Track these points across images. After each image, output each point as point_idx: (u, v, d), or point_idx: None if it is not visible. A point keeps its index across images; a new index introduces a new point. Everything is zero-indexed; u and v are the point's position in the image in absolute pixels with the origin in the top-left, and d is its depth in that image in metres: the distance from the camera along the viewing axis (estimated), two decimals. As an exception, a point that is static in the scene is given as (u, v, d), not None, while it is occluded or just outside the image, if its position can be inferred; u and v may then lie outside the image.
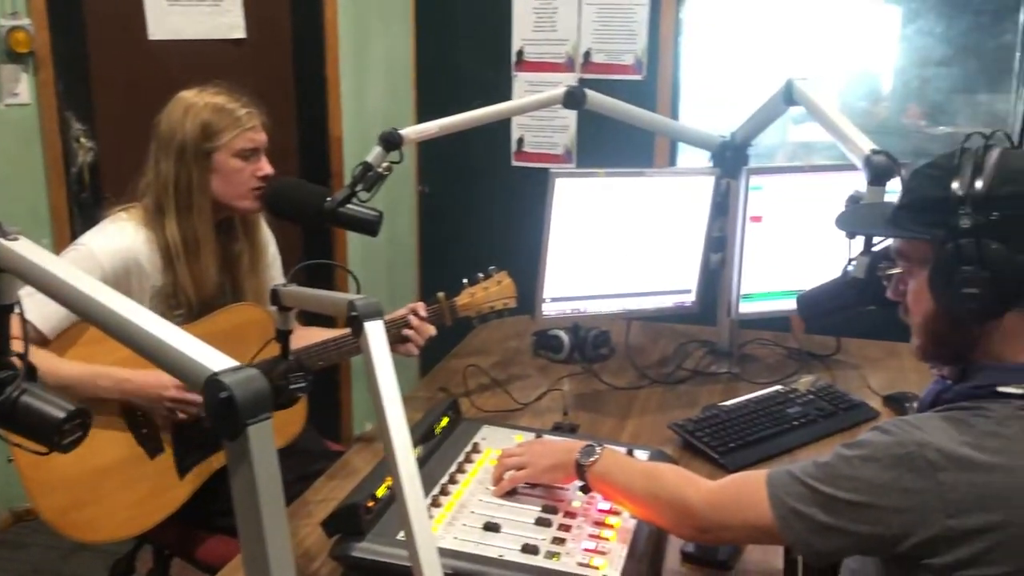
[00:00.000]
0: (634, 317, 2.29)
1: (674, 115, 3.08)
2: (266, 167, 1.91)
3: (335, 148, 3.36)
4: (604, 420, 2.00)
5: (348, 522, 1.40)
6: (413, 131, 1.91)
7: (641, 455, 1.67)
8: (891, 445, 1.14)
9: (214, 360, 0.77)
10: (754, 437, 1.83)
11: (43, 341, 1.73)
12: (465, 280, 2.14)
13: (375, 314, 1.24)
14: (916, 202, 1.21)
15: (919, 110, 3.21)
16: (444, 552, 1.35)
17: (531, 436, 1.76)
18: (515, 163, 3.25)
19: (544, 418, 2.00)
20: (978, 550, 1.09)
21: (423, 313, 2.02)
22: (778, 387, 2.05)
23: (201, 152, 1.84)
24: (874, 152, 1.58)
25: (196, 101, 1.86)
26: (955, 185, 1.15)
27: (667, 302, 2.28)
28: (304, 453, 2.01)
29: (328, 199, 1.86)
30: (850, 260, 1.57)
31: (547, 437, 1.74)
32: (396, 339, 1.99)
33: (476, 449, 1.71)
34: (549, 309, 2.13)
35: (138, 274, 1.85)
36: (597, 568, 1.35)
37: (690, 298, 2.30)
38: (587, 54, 3.08)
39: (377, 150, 1.90)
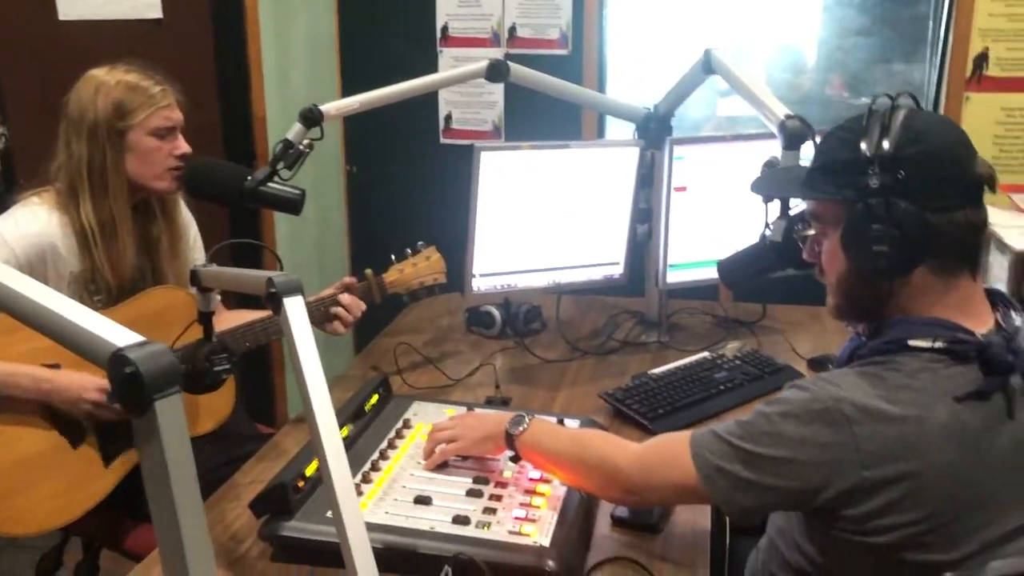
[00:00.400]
0: (564, 291, 2.30)
1: (601, 89, 3.08)
2: (183, 146, 1.86)
3: (259, 128, 3.29)
4: (536, 392, 2.01)
5: (276, 502, 1.39)
6: (334, 107, 1.88)
7: (572, 424, 1.68)
8: (808, 401, 1.17)
9: (118, 335, 0.75)
10: (682, 403, 1.86)
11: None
12: (393, 256, 2.12)
13: (294, 290, 1.22)
14: (827, 164, 1.23)
15: (841, 81, 3.27)
16: (375, 527, 1.35)
17: (462, 410, 1.76)
18: (443, 140, 3.23)
19: (476, 393, 2.00)
20: (892, 498, 1.13)
21: (350, 283, 2.00)
22: (705, 354, 2.09)
23: (114, 131, 1.79)
24: (788, 117, 1.61)
25: (107, 79, 1.81)
26: (863, 146, 1.18)
27: (596, 275, 2.30)
28: (234, 436, 1.98)
29: (248, 178, 1.83)
30: (767, 225, 1.60)
31: (478, 411, 1.75)
32: (326, 317, 1.97)
33: (407, 425, 1.71)
34: (479, 285, 2.13)
35: (54, 260, 1.79)
36: (528, 535, 1.36)
37: (618, 270, 2.32)
38: (512, 29, 3.07)
39: (297, 127, 1.87)
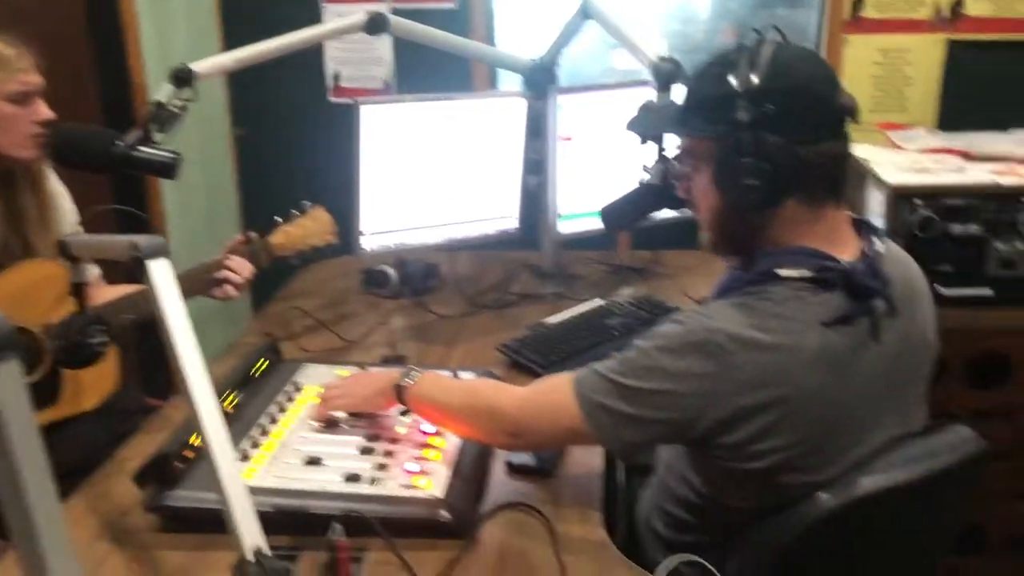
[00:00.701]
0: (459, 247, 2.29)
1: (490, 42, 3.05)
2: (44, 111, 1.76)
3: (139, 96, 3.16)
4: (433, 349, 2.00)
5: (159, 473, 1.35)
6: (205, 65, 1.81)
7: (467, 377, 1.68)
8: (684, 334, 1.19)
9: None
10: (577, 349, 1.88)
11: None
12: (279, 219, 2.07)
13: (159, 253, 1.18)
14: (698, 101, 1.24)
15: (733, 29, 3.31)
16: (264, 491, 1.33)
17: (355, 371, 1.74)
18: (333, 99, 3.15)
19: (372, 353, 1.98)
20: (766, 424, 1.16)
21: (240, 241, 1.95)
22: (599, 301, 2.11)
23: (-32, 99, 1.68)
24: (660, 59, 1.61)
25: None
26: (732, 81, 1.19)
27: (490, 228, 2.29)
28: (121, 411, 1.92)
29: (118, 142, 1.75)
30: (645, 167, 1.62)
31: (371, 370, 1.73)
32: (215, 283, 1.91)
33: (297, 388, 1.68)
34: (370, 244, 2.09)
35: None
36: (421, 488, 1.36)
37: (513, 223, 2.32)
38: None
39: (168, 87, 1.79)
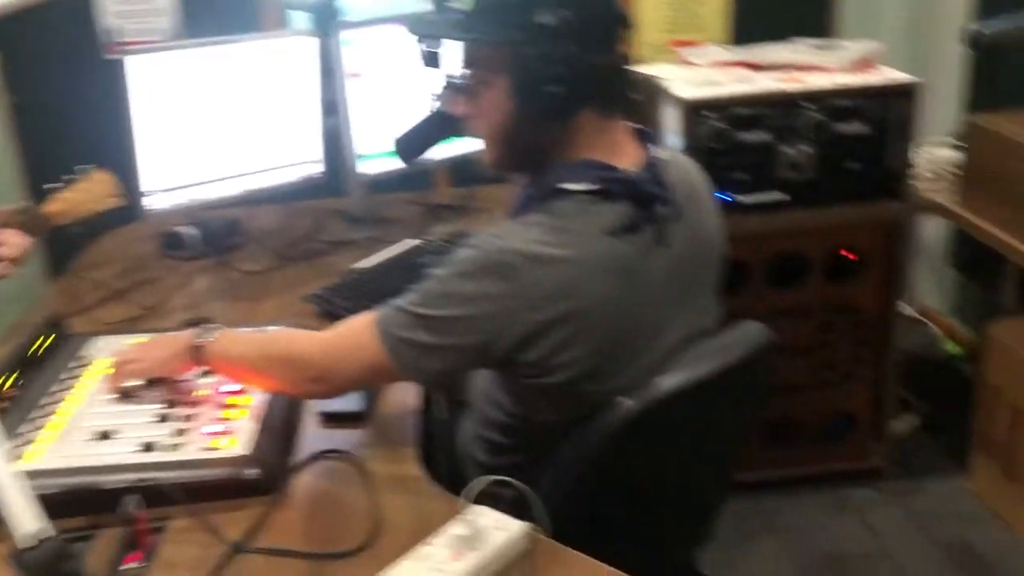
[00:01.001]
0: (262, 198, 2.18)
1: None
2: None
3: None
4: (240, 306, 1.92)
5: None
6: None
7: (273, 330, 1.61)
8: (476, 257, 1.18)
9: None
10: (390, 291, 1.82)
11: None
12: (53, 185, 1.90)
13: None
14: (492, 4, 1.20)
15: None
16: (50, 472, 1.24)
17: (142, 338, 1.62)
18: (109, 56, 2.93)
19: (174, 318, 1.86)
20: (562, 337, 1.16)
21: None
22: (412, 241, 2.07)
23: None
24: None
25: None
26: None
27: (293, 175, 2.20)
28: None
29: None
30: (435, 95, 1.57)
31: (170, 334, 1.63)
32: None
33: (85, 362, 1.56)
34: (159, 203, 1.96)
35: None
36: (223, 448, 1.29)
37: (319, 167, 2.23)
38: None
39: None
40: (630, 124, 1.29)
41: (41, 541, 0.96)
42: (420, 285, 1.22)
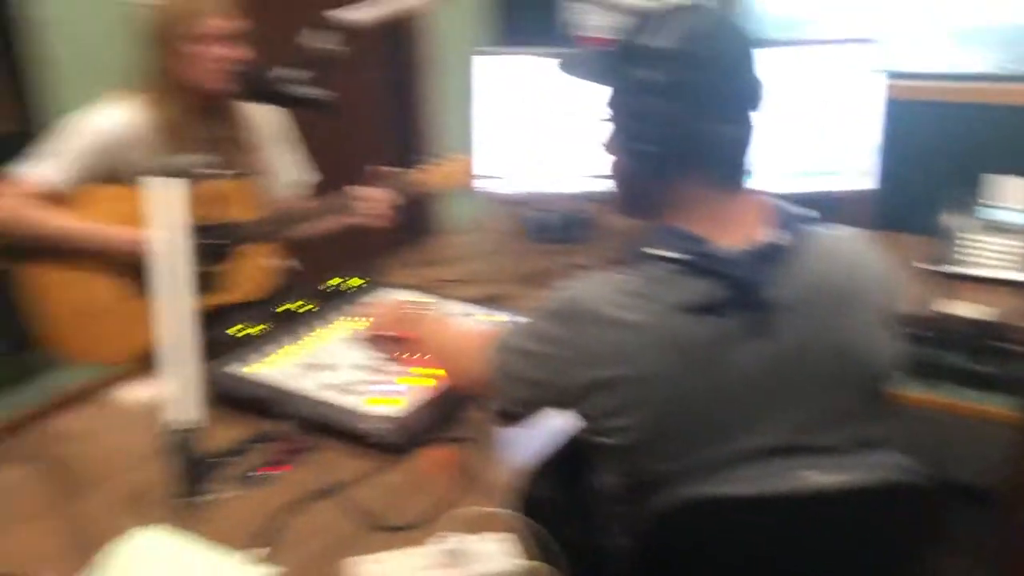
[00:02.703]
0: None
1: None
2: (233, 52, 2.12)
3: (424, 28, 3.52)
4: (534, 294, 2.07)
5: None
6: (353, 15, 2.05)
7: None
8: (555, 299, 1.20)
9: None
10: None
11: (43, 198, 2.09)
12: (420, 159, 2.28)
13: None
14: (622, 49, 1.20)
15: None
16: (258, 382, 1.57)
17: (429, 299, 1.90)
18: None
19: (471, 290, 2.07)
20: (615, 400, 1.14)
21: (378, 171, 2.18)
22: None
23: (172, 40, 2.09)
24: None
25: None
26: (645, 37, 1.14)
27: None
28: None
29: (280, 81, 2.04)
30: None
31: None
32: (347, 209, 2.17)
33: (360, 306, 1.88)
34: (487, 186, 2.22)
35: (129, 147, 2.14)
36: (384, 406, 1.49)
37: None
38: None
39: (324, 34, 2.02)
40: (763, 198, 1.17)
41: (187, 428, 1.29)
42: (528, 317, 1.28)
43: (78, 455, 1.51)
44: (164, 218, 1.42)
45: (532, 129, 2.16)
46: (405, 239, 2.38)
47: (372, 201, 2.17)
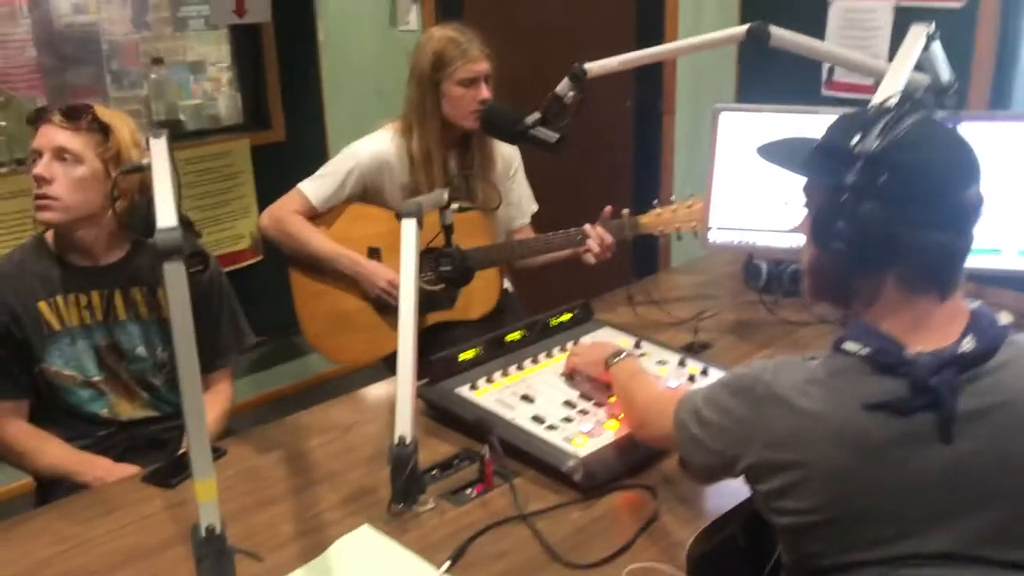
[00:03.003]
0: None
1: (1003, 48, 2.77)
2: (483, 93, 2.33)
3: (668, 71, 3.61)
4: (742, 345, 2.12)
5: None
6: (596, 66, 2.16)
7: (716, 376, 1.82)
8: (743, 376, 1.26)
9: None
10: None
11: (315, 212, 2.41)
12: (656, 201, 2.37)
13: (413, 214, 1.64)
14: (823, 145, 1.23)
15: None
16: (475, 405, 1.74)
17: (631, 341, 1.99)
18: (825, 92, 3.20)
19: (681, 337, 2.15)
20: (786, 482, 1.19)
21: (608, 212, 2.32)
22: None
23: (432, 80, 2.33)
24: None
25: (434, 34, 2.36)
26: (855, 139, 1.17)
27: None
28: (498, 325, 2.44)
29: (520, 122, 2.22)
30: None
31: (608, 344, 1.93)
32: (578, 245, 2.32)
33: (573, 342, 2.00)
34: (715, 237, 2.27)
35: (389, 172, 2.43)
36: (577, 445, 1.62)
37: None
38: (906, -21, 2.90)
39: (565, 82, 2.20)
40: (965, 306, 1.16)
41: (402, 442, 1.48)
42: (715, 383, 1.34)
43: (317, 449, 1.75)
44: (409, 246, 1.62)
45: (767, 183, 2.18)
46: (626, 277, 2.47)
47: (601, 240, 2.30)
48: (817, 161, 1.22)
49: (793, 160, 1.26)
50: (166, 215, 1.30)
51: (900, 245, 1.13)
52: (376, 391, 2.01)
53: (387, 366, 2.57)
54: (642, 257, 3.57)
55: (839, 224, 1.16)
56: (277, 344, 3.50)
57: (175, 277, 1.24)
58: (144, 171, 1.61)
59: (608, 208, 2.34)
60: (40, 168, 1.79)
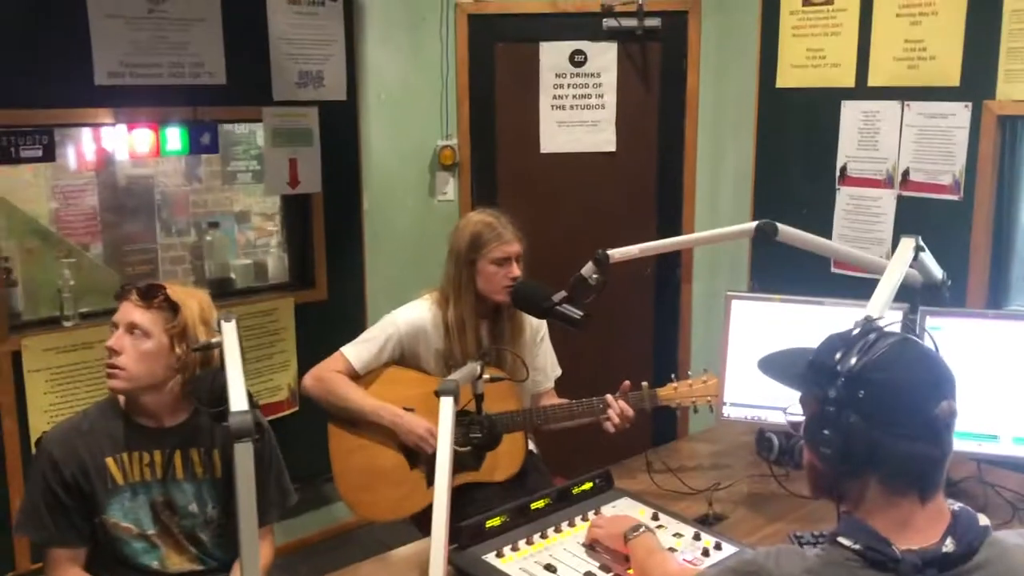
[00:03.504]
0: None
1: (998, 241, 2.98)
2: (514, 271, 2.55)
3: (687, 221, 3.87)
4: (754, 519, 2.23)
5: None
6: (618, 252, 2.38)
7: (729, 550, 1.94)
8: (748, 563, 1.39)
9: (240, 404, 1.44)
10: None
11: (356, 374, 2.59)
12: (673, 376, 2.54)
13: (449, 392, 1.81)
14: (814, 362, 1.40)
15: None
16: (502, 573, 1.86)
17: (649, 513, 2.12)
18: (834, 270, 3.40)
19: (699, 506, 2.28)
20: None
21: (627, 387, 2.48)
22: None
23: (469, 259, 2.56)
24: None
25: (472, 218, 2.60)
26: (838, 357, 1.35)
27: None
28: (524, 488, 2.58)
29: (548, 299, 2.43)
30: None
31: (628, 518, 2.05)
32: (600, 414, 2.48)
33: (595, 512, 2.13)
34: (729, 412, 2.42)
35: (425, 339, 2.62)
36: (596, 618, 1.73)
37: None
38: (906, 172, 3.14)
39: (589, 265, 2.41)
40: (946, 507, 1.30)
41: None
42: (721, 568, 1.47)
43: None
44: (446, 422, 1.78)
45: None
46: (644, 442, 2.61)
47: (622, 413, 2.45)
48: (809, 376, 1.39)
49: (788, 375, 1.43)
50: (238, 399, 1.48)
51: (880, 452, 1.29)
52: (405, 553, 2.12)
53: (414, 522, 2.70)
54: (661, 422, 3.71)
55: (826, 432, 1.32)
56: (305, 492, 3.62)
57: (244, 455, 1.41)
58: (212, 349, 1.82)
59: (626, 383, 2.50)
60: (112, 341, 2.00)
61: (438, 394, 1.84)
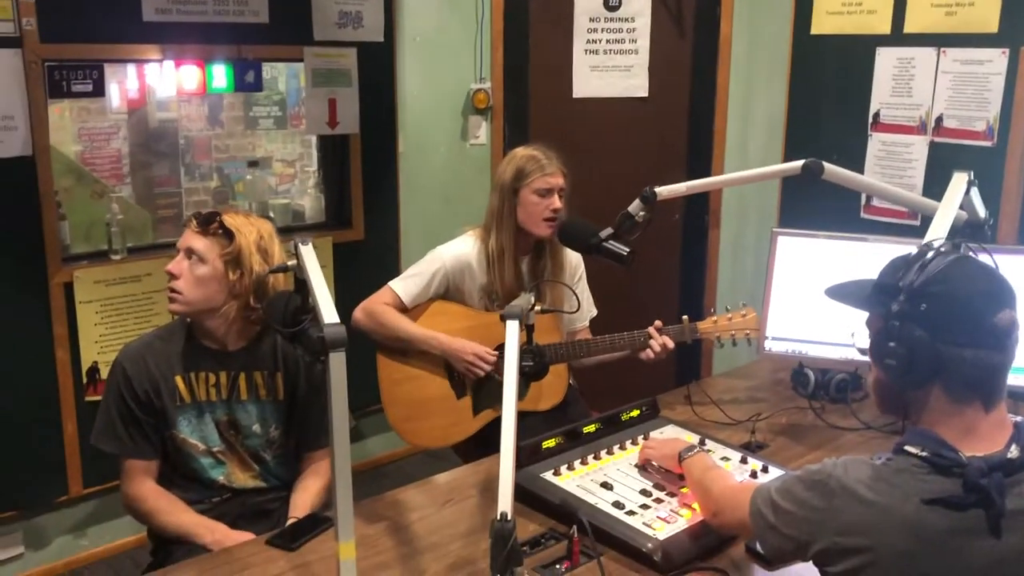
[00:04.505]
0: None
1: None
2: (556, 204, 2.60)
3: (715, 192, 3.91)
4: (795, 448, 2.32)
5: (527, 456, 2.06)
6: (665, 190, 2.44)
7: (776, 473, 2.03)
8: (817, 471, 1.47)
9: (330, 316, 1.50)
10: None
11: (404, 308, 2.66)
12: (713, 310, 2.61)
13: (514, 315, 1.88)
14: (878, 283, 1.48)
15: None
16: (561, 489, 1.95)
17: (696, 439, 2.20)
18: (864, 215, 3.46)
19: (739, 435, 2.37)
20: (855, 565, 1.38)
21: (659, 326, 2.55)
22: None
23: (512, 189, 2.61)
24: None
25: (518, 152, 2.65)
26: (899, 275, 1.42)
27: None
28: (566, 418, 2.66)
29: (595, 235, 2.49)
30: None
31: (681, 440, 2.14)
32: (641, 346, 2.55)
33: (644, 437, 2.21)
34: (771, 347, 2.49)
35: (470, 273, 2.69)
36: (655, 529, 1.82)
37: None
38: (939, 119, 3.19)
39: (637, 203, 2.46)
40: (1011, 419, 1.37)
41: (503, 518, 1.68)
42: (787, 477, 1.55)
43: (416, 523, 1.96)
44: (512, 342, 1.85)
45: (817, 300, 2.41)
46: (682, 378, 2.69)
47: (664, 344, 2.53)
48: (874, 297, 1.47)
49: (856, 298, 1.51)
50: (329, 312, 1.55)
51: (942, 362, 1.36)
52: (446, 478, 2.21)
53: (457, 453, 2.79)
54: (685, 362, 3.79)
55: (891, 345, 1.40)
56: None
57: (338, 365, 1.48)
58: (286, 272, 1.88)
59: (658, 322, 2.57)
60: (171, 264, 2.08)
61: (503, 318, 1.90)
